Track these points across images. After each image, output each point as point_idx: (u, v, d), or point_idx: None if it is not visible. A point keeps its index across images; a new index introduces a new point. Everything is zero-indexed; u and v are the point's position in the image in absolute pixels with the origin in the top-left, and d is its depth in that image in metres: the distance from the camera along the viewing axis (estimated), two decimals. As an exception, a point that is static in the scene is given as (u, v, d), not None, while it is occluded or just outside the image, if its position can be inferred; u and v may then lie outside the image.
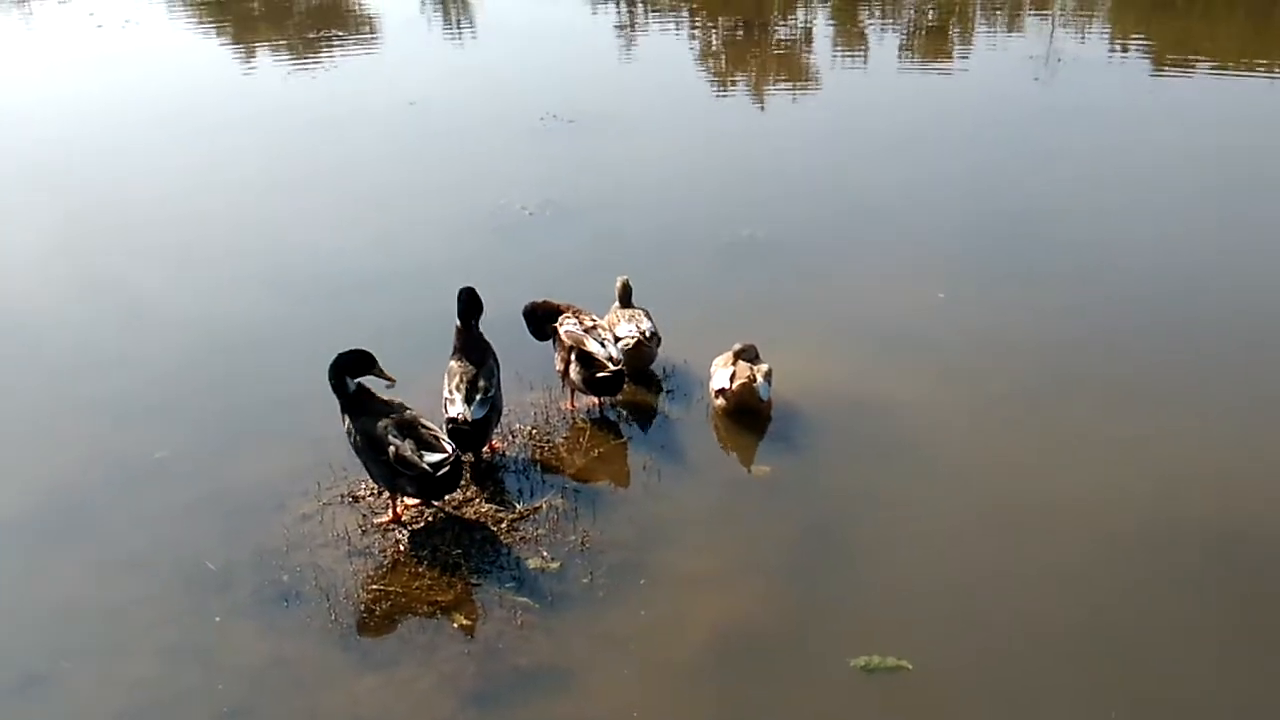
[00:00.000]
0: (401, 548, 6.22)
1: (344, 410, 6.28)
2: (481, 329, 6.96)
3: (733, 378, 7.22)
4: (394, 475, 6.10)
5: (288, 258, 9.99)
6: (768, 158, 12.33)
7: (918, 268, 9.39)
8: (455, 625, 5.70)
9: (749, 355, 7.41)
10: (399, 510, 6.41)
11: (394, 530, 6.34)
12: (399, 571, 6.06)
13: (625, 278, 7.94)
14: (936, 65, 15.98)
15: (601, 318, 7.61)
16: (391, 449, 6.03)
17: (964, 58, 16.43)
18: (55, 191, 11.70)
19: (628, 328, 7.60)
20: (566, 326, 7.29)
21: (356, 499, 6.59)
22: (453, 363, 6.84)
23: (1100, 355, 7.99)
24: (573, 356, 7.19)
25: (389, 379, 6.31)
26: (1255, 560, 5.99)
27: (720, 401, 7.32)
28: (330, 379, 6.24)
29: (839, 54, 16.84)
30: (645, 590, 5.93)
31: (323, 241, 10.27)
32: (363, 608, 5.81)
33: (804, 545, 6.25)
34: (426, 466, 6.00)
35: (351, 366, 6.26)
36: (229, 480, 6.83)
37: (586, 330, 7.24)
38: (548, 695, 5.34)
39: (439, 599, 5.87)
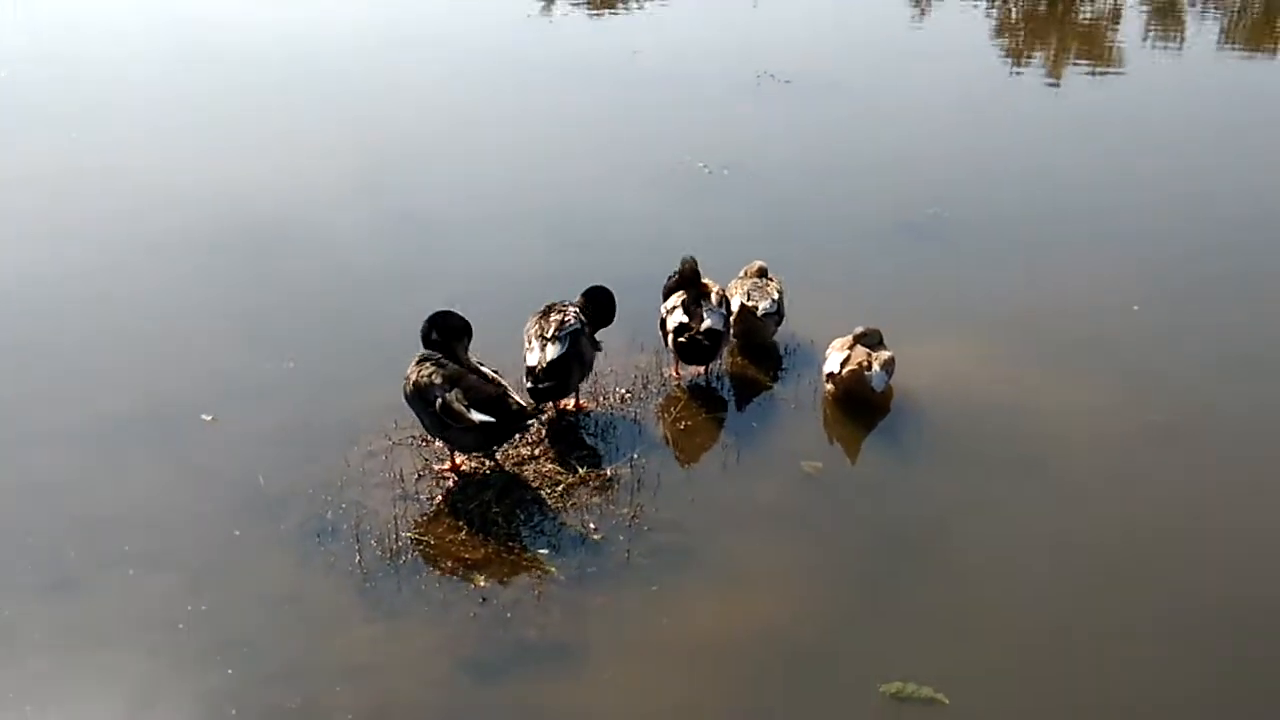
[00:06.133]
0: (449, 498, 5.99)
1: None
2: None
3: (845, 363, 6.61)
4: (443, 427, 5.87)
5: (456, 192, 9.86)
6: (988, 136, 11.37)
7: (1115, 271, 8.40)
8: (473, 586, 5.42)
9: (870, 340, 6.76)
10: (457, 460, 6.18)
11: (449, 479, 6.12)
12: (438, 522, 5.83)
13: (761, 262, 7.44)
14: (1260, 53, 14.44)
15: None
16: (439, 400, 5.79)
17: None
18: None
19: (739, 298, 7.09)
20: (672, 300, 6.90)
21: (426, 441, 6.40)
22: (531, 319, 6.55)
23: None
24: (667, 323, 6.78)
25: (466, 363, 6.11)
26: None
27: (829, 387, 6.71)
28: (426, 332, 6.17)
29: (1148, 36, 15.30)
30: (682, 578, 5.47)
31: (512, 176, 10.19)
32: (390, 554, 5.60)
33: (872, 554, 5.66)
34: (475, 419, 5.74)
35: (448, 329, 6.14)
36: (325, 404, 6.73)
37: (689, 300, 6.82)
38: (546, 674, 4.99)
39: (466, 556, 5.60)
